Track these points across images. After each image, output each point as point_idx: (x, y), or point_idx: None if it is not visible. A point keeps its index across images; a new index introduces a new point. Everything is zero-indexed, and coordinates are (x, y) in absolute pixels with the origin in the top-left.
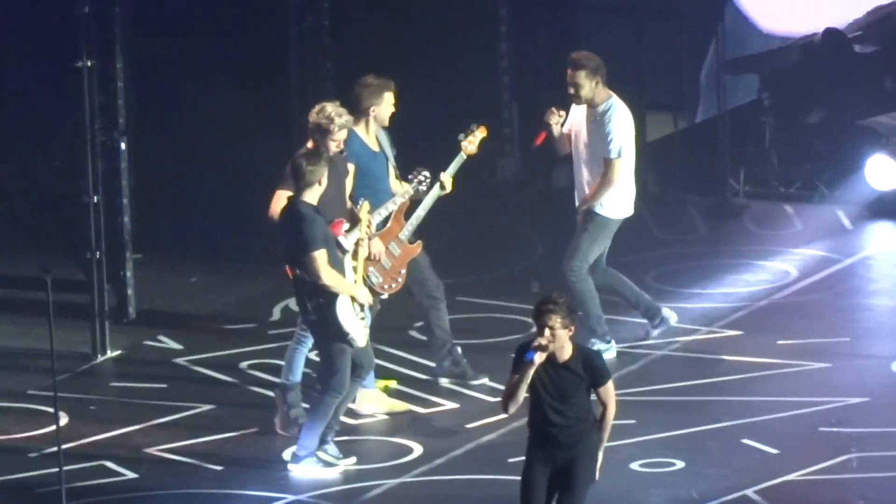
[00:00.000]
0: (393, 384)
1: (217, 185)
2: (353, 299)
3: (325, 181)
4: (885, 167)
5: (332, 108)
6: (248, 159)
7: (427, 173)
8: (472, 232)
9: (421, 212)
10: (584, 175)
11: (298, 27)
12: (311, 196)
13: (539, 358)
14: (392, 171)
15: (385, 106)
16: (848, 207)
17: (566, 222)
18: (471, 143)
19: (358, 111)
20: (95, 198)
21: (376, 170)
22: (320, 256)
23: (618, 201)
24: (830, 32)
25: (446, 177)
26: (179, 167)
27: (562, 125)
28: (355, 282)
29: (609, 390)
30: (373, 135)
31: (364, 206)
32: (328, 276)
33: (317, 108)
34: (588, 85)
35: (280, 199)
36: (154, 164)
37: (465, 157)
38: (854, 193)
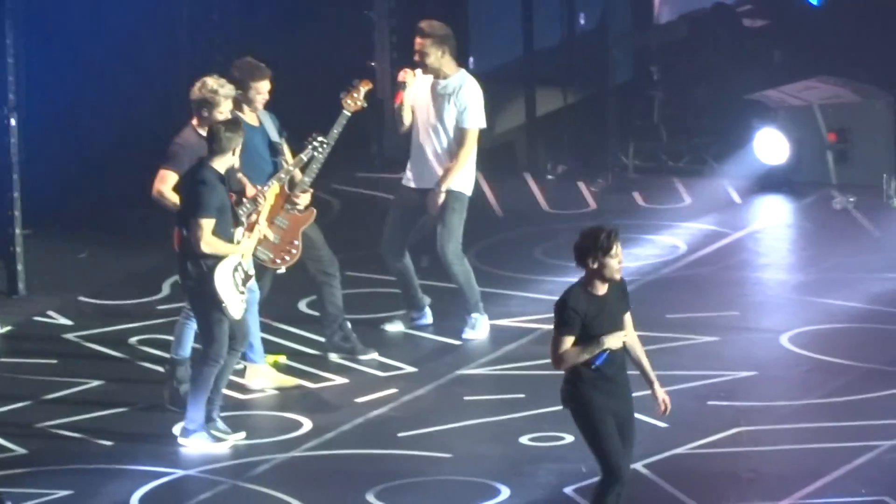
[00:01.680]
0: (282, 359)
1: (106, 160)
2: (235, 271)
3: (238, 152)
4: (774, 141)
5: (212, 81)
6: (136, 136)
7: (322, 139)
8: (363, 207)
9: (307, 179)
10: (430, 149)
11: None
12: (221, 164)
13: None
14: (286, 152)
15: (253, 92)
16: (737, 181)
17: None
18: (354, 98)
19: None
20: None
21: (256, 144)
22: (206, 224)
23: (469, 176)
24: (719, 6)
25: (304, 198)
26: (69, 142)
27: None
28: (242, 257)
29: (629, 317)
30: (250, 112)
31: (273, 188)
32: (207, 244)
33: (198, 83)
34: (434, 54)
35: (163, 179)
36: (43, 139)
37: (348, 114)
38: (743, 167)
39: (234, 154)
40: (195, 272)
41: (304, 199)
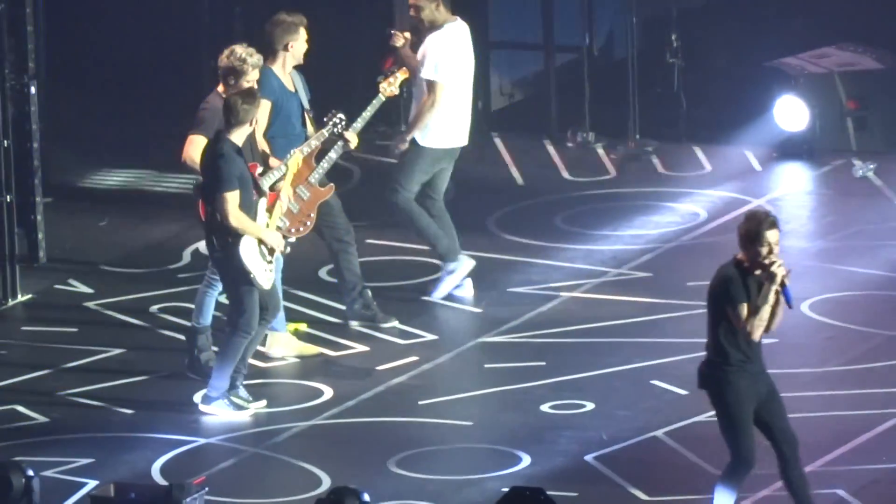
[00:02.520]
0: (303, 327)
1: (126, 127)
2: (261, 242)
3: (255, 123)
4: (794, 108)
5: (242, 49)
6: (157, 103)
7: (342, 115)
8: (381, 174)
9: (333, 155)
10: (417, 99)
11: None
12: (238, 136)
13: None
14: (306, 116)
15: (300, 42)
16: (757, 148)
17: (473, 164)
18: (390, 84)
19: (273, 49)
20: (6, 142)
21: (289, 110)
22: (231, 198)
23: (438, 129)
24: None
25: (351, 134)
26: (89, 110)
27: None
28: (267, 226)
29: None
30: (288, 74)
31: (295, 158)
32: (236, 218)
33: (226, 51)
34: (428, 7)
35: (193, 144)
36: (64, 107)
37: (383, 98)
38: (763, 134)
39: (250, 125)
40: (221, 244)
41: (353, 138)
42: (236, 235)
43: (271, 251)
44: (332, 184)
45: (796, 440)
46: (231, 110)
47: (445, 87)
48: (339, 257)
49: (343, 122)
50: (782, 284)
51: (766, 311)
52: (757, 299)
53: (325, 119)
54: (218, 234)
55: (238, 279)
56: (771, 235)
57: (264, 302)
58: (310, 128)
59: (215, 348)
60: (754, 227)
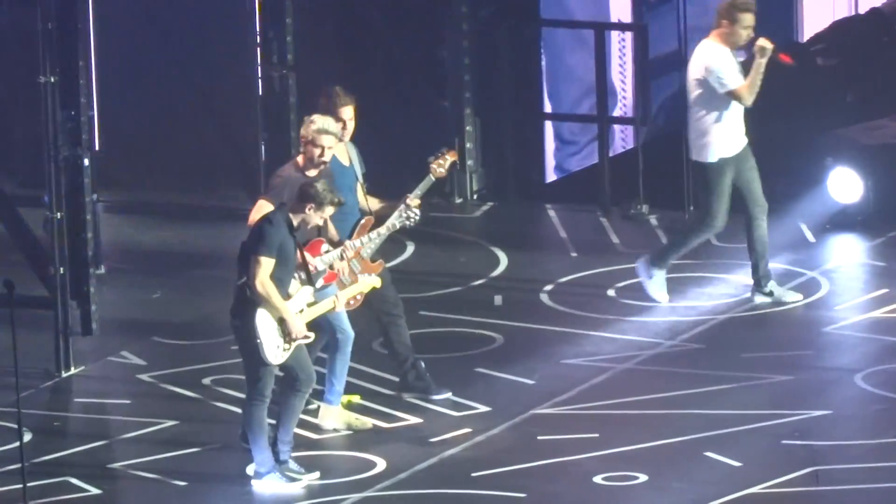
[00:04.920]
0: (356, 399)
1: (180, 198)
2: (282, 322)
3: (312, 219)
4: (848, 180)
5: (321, 120)
6: (209, 174)
7: (416, 211)
8: (435, 246)
9: (384, 231)
10: None
11: (262, 42)
12: (294, 214)
13: None
14: (360, 188)
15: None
16: (810, 220)
17: (527, 235)
18: (440, 165)
19: None
20: (59, 214)
21: (343, 185)
22: (265, 262)
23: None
24: (792, 45)
25: (413, 199)
26: (143, 181)
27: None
28: (301, 311)
29: None
30: (343, 148)
31: (357, 248)
32: (262, 284)
33: (307, 119)
34: None
35: (260, 208)
36: (117, 178)
37: (433, 179)
38: (817, 206)
39: (305, 211)
40: (240, 310)
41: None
42: (253, 303)
43: (290, 337)
44: (381, 259)
45: None
46: (302, 186)
47: None
48: (388, 330)
49: (416, 217)
50: None
51: None
52: None
53: (398, 210)
54: (240, 299)
55: (251, 347)
56: None
57: (296, 372)
58: (362, 200)
59: (270, 420)
60: None
